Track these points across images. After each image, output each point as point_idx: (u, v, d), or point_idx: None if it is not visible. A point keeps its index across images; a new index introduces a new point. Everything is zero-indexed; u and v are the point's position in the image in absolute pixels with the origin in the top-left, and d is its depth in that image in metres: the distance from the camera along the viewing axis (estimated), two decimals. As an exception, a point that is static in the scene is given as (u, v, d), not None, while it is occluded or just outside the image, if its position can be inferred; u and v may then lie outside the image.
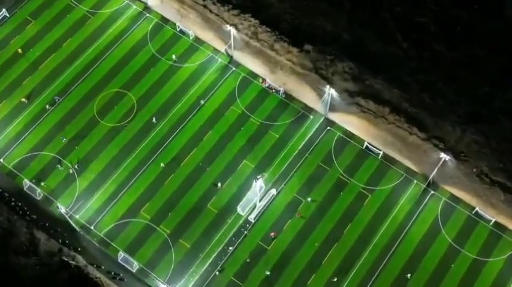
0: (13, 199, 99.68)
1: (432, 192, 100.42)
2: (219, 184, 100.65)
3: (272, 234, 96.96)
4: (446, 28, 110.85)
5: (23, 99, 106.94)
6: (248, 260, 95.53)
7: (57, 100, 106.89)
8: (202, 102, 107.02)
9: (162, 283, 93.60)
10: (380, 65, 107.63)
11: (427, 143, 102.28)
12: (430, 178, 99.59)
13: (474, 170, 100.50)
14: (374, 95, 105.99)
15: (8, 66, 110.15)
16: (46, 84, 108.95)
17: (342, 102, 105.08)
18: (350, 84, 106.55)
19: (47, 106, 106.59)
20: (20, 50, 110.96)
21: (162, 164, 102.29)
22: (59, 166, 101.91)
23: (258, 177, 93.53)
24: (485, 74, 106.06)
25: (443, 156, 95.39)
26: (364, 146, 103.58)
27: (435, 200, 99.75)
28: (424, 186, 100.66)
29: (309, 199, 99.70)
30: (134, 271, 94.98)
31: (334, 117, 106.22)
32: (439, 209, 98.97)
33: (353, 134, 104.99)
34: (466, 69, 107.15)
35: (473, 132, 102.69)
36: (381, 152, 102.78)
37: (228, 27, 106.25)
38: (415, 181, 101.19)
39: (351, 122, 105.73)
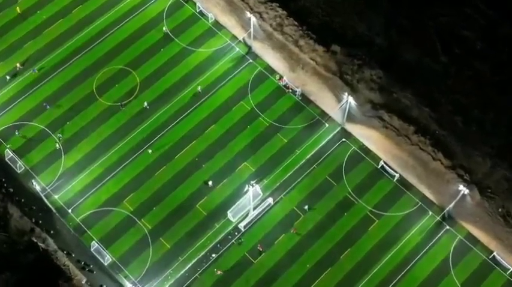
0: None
1: (447, 227, 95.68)
2: (211, 182, 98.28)
3: (259, 247, 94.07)
4: (494, 47, 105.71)
5: (18, 65, 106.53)
6: (230, 272, 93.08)
7: (33, 71, 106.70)
8: (199, 89, 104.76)
9: (132, 282, 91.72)
10: (412, 78, 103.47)
11: (451, 172, 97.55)
12: (446, 210, 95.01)
13: (500, 210, 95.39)
14: (400, 111, 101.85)
15: (10, 27, 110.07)
16: (47, 51, 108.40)
17: (362, 114, 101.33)
18: (376, 95, 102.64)
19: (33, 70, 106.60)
20: (18, 10, 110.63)
21: (150, 151, 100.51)
22: (60, 136, 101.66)
23: (253, 182, 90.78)
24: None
25: (463, 189, 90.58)
26: (380, 166, 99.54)
27: (449, 237, 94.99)
28: (439, 219, 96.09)
29: (306, 207, 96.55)
30: (106, 264, 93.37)
31: (352, 129, 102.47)
32: (452, 247, 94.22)
33: (370, 150, 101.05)
34: (509, 97, 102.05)
35: (506, 168, 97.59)
36: (397, 175, 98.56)
37: (248, 15, 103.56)
38: (431, 212, 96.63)
39: (370, 137, 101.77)
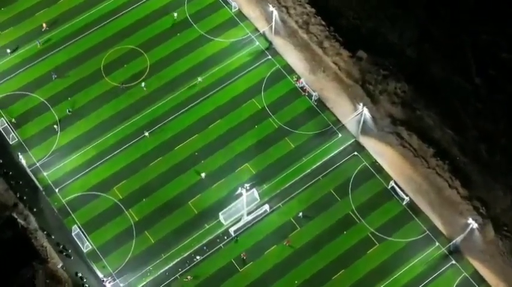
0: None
1: (453, 262, 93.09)
2: (203, 174, 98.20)
3: (243, 255, 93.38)
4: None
5: (44, 25, 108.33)
6: (212, 277, 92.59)
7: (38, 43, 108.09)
8: (199, 79, 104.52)
9: (109, 274, 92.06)
10: (440, 96, 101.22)
11: (467, 203, 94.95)
12: (453, 242, 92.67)
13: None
14: (421, 130, 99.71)
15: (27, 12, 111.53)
16: (61, 21, 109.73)
17: (379, 128, 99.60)
18: (397, 109, 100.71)
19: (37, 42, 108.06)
20: None
21: (146, 133, 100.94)
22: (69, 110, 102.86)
23: (247, 185, 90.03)
24: None
25: (472, 222, 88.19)
26: (390, 186, 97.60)
27: (454, 272, 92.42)
28: (446, 251, 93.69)
29: (300, 214, 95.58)
30: (85, 251, 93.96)
31: (366, 142, 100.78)
32: (455, 284, 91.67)
33: (382, 168, 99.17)
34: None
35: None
36: (407, 198, 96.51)
37: (271, 7, 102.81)
38: (437, 243, 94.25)
39: (384, 154, 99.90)
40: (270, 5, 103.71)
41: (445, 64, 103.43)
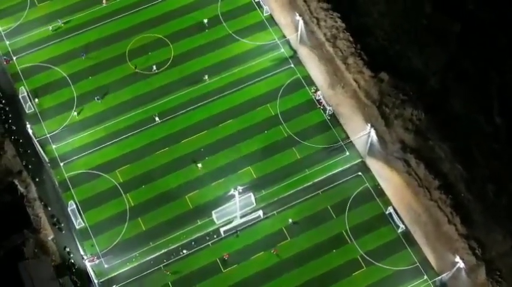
0: (3, 101, 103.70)
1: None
2: (200, 165, 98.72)
3: (225, 255, 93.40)
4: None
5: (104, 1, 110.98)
6: (195, 273, 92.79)
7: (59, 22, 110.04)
8: (206, 77, 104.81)
9: (95, 254, 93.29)
10: (456, 130, 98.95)
11: (464, 241, 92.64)
12: (437, 278, 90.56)
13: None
14: (430, 161, 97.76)
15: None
16: (94, 1, 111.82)
17: (388, 153, 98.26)
18: (409, 136, 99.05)
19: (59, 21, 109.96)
20: None
21: (157, 118, 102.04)
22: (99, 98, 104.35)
23: (240, 187, 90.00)
24: None
25: (459, 262, 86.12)
26: (388, 212, 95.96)
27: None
28: (432, 285, 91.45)
29: (290, 220, 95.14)
30: (77, 227, 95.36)
31: (373, 165, 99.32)
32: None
33: (383, 192, 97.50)
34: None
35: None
36: (403, 227, 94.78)
37: (297, 17, 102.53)
38: (426, 277, 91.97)
39: (388, 179, 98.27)
40: (297, 14, 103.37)
41: (467, 98, 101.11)
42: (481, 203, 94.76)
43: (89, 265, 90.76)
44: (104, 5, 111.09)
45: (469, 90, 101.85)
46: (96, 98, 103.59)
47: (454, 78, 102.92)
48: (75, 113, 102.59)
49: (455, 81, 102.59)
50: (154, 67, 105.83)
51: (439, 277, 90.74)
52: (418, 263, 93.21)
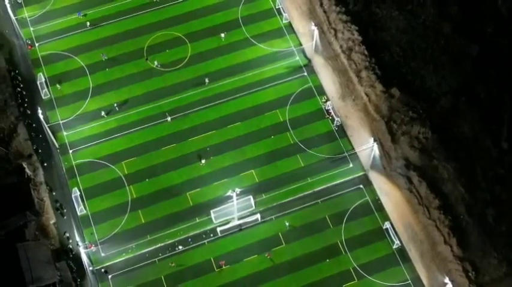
0: (21, 86, 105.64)
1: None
2: (204, 161, 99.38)
3: (222, 263, 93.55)
4: None
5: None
6: (188, 269, 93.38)
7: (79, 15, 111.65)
8: (207, 81, 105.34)
9: (92, 241, 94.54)
10: (462, 152, 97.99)
11: (458, 263, 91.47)
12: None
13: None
14: (433, 180, 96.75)
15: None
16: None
17: (391, 168, 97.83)
18: (414, 154, 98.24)
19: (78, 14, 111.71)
20: None
21: (168, 118, 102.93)
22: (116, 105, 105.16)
23: (238, 190, 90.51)
24: None
25: (448, 283, 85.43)
26: (385, 227, 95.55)
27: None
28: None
29: (287, 223, 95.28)
30: (79, 214, 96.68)
31: (375, 179, 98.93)
32: None
33: (383, 207, 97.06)
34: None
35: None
36: (398, 243, 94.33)
37: (313, 26, 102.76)
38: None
39: (389, 194, 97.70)
40: (313, 23, 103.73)
41: (476, 122, 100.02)
42: (479, 227, 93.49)
43: (83, 252, 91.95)
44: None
45: (479, 113, 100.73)
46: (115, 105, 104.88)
47: (465, 101, 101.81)
48: (103, 114, 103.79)
49: (466, 104, 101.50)
50: (156, 62, 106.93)
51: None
52: (409, 281, 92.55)
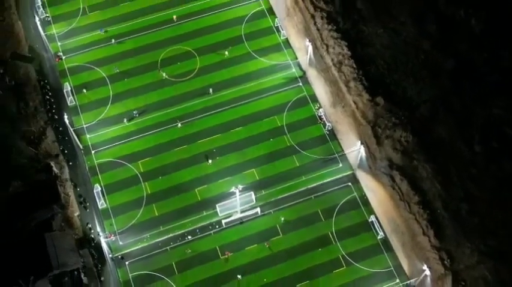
0: (50, 94, 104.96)
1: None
2: (210, 161, 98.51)
3: (227, 253, 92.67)
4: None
5: (175, 17, 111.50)
6: (196, 256, 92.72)
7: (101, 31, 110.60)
8: (210, 91, 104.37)
9: (113, 231, 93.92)
10: (439, 154, 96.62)
11: (435, 252, 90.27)
12: (407, 282, 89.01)
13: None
14: (413, 179, 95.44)
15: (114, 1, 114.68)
16: (137, 14, 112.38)
17: (376, 167, 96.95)
18: (397, 155, 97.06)
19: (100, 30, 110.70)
20: None
21: (179, 124, 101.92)
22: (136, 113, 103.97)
23: (240, 186, 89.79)
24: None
25: (426, 270, 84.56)
26: (370, 220, 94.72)
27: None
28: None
29: (282, 219, 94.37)
30: (100, 207, 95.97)
31: (362, 177, 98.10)
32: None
33: (368, 202, 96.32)
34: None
35: (491, 269, 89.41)
36: (382, 234, 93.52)
37: (307, 42, 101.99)
38: (398, 280, 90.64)
39: (374, 191, 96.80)
40: (308, 39, 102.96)
41: (452, 127, 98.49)
42: (454, 220, 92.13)
43: (103, 241, 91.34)
44: (175, 21, 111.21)
45: (454, 120, 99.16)
46: (134, 113, 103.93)
47: (442, 109, 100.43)
48: (125, 121, 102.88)
49: (443, 112, 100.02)
50: (164, 74, 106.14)
51: (409, 281, 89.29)
52: (392, 268, 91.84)
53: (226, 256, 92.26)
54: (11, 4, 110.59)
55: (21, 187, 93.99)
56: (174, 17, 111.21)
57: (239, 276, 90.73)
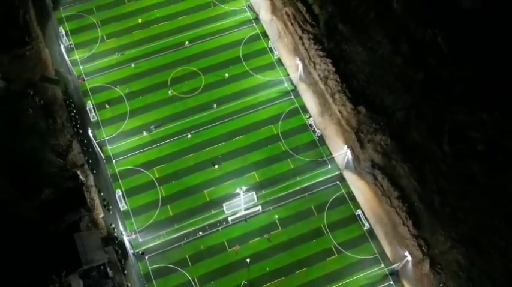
0: (75, 111, 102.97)
1: (391, 282, 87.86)
2: (217, 166, 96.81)
3: (236, 246, 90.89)
4: (494, 152, 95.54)
5: (187, 43, 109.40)
6: (206, 250, 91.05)
7: (117, 55, 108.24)
8: (214, 106, 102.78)
9: (132, 230, 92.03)
10: (414, 155, 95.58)
11: (414, 240, 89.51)
12: (390, 267, 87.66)
13: (441, 285, 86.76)
14: (393, 176, 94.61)
15: (129, 15, 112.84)
16: (150, 40, 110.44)
17: (361, 168, 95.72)
18: (378, 156, 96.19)
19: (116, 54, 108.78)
20: (140, 20, 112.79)
21: (189, 136, 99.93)
22: (153, 127, 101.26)
23: (244, 187, 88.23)
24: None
25: (407, 256, 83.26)
26: (357, 213, 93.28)
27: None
28: (387, 271, 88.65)
29: (276, 216, 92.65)
30: (121, 209, 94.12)
31: (348, 176, 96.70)
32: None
33: (355, 198, 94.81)
34: (488, 199, 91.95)
35: (462, 253, 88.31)
36: (368, 225, 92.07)
37: (297, 61, 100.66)
38: (382, 265, 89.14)
39: (359, 188, 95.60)
40: (298, 58, 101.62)
41: (424, 130, 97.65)
42: (429, 211, 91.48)
43: (126, 239, 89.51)
44: (187, 45, 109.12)
45: (426, 125, 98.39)
46: (151, 127, 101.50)
47: (415, 115, 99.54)
48: (145, 133, 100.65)
49: (415, 118, 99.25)
50: (170, 92, 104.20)
51: (393, 266, 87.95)
52: (377, 254, 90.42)
53: (236, 249, 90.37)
54: (38, 34, 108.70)
55: (52, 194, 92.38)
56: (186, 42, 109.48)
57: (247, 260, 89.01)
